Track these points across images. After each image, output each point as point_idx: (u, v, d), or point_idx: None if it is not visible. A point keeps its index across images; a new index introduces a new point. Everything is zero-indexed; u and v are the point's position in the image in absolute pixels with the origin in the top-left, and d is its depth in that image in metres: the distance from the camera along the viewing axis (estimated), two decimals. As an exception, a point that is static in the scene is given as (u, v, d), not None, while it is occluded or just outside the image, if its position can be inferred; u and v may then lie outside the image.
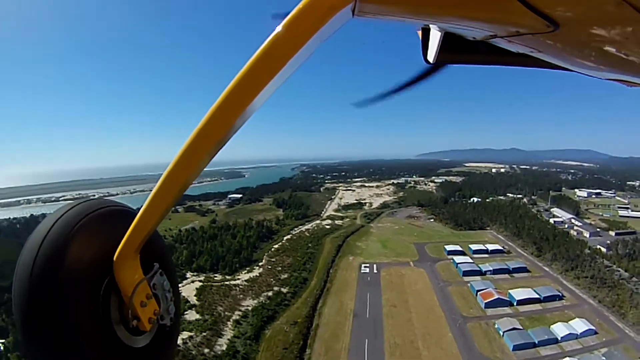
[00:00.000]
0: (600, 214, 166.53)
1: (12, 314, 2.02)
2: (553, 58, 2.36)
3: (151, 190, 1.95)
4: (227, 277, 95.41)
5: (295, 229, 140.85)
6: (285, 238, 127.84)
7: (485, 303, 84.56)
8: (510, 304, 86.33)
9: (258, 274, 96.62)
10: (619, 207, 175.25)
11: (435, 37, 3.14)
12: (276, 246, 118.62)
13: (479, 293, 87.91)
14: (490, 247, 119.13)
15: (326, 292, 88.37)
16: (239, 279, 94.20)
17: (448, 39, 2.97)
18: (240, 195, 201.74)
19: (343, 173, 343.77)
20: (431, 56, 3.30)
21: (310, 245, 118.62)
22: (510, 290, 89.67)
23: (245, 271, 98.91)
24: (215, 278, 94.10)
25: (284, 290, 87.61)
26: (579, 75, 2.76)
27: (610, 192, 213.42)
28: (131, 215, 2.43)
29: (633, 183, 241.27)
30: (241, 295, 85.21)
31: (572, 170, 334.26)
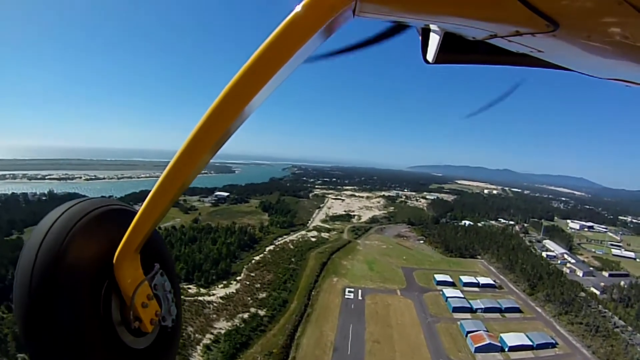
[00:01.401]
0: (593, 250, 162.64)
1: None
2: (553, 58, 2.39)
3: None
4: (202, 289, 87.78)
5: (280, 238, 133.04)
6: (267, 249, 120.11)
7: (476, 347, 78.42)
8: (501, 349, 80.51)
9: (235, 291, 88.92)
10: (611, 245, 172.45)
11: (435, 37, 3.09)
12: (257, 258, 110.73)
13: (469, 335, 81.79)
14: (482, 280, 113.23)
15: (306, 318, 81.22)
16: (214, 294, 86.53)
17: (448, 39, 2.91)
18: (227, 194, 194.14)
19: (334, 179, 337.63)
20: (431, 56, 3.22)
21: (293, 260, 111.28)
22: (502, 334, 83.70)
23: (222, 285, 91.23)
24: (190, 291, 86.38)
25: (261, 312, 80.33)
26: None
27: (602, 226, 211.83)
28: (131, 215, 2.46)
29: (625, 218, 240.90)
30: (215, 315, 77.56)
31: (564, 198, 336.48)
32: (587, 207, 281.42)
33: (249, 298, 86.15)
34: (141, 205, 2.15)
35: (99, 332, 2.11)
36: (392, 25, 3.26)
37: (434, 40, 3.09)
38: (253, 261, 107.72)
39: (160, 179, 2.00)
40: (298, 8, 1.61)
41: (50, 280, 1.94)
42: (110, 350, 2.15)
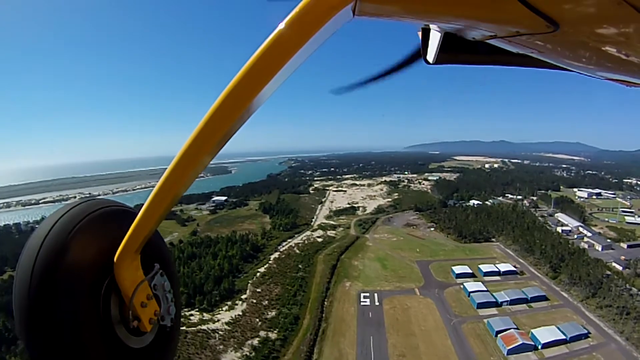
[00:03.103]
0: (606, 219, 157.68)
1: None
2: (553, 58, 2.39)
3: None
4: (206, 315, 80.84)
5: (284, 243, 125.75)
6: (272, 257, 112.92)
7: (508, 350, 72.54)
8: (534, 347, 74.74)
9: (241, 313, 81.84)
10: (623, 211, 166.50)
11: (435, 37, 3.14)
12: (262, 269, 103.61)
13: (499, 336, 75.86)
14: (502, 267, 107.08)
15: (321, 335, 74.59)
16: (218, 319, 79.58)
17: (448, 39, 2.98)
18: (224, 198, 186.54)
19: (332, 169, 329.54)
20: (431, 56, 3.28)
21: (300, 266, 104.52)
22: (533, 331, 77.91)
23: (227, 307, 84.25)
24: (192, 319, 79.37)
25: (273, 335, 73.60)
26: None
27: (610, 192, 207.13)
28: (132, 215, 2.49)
29: (630, 181, 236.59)
30: (221, 346, 70.65)
31: (565, 165, 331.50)
32: (590, 172, 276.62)
33: (257, 319, 79.31)
34: (142, 206, 2.16)
35: (97, 331, 2.14)
36: (414, 52, 3.58)
37: (434, 41, 3.12)
38: (258, 274, 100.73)
39: (161, 180, 2.00)
40: (298, 8, 1.61)
41: (50, 279, 1.97)
42: (108, 348, 2.18)
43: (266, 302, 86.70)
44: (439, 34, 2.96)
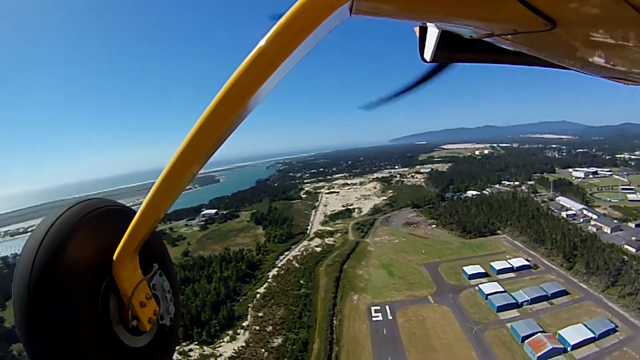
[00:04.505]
0: (608, 199, 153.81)
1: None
2: (551, 56, 2.39)
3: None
4: (206, 348, 73.49)
5: (281, 257, 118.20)
6: (271, 274, 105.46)
7: (539, 357, 66.93)
8: (564, 350, 69.55)
9: (244, 343, 74.46)
10: (623, 189, 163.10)
11: (432, 35, 3.15)
12: (261, 290, 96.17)
13: (526, 342, 70.23)
14: (515, 263, 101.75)
15: (335, 361, 68.04)
16: (220, 353, 72.15)
17: (445, 37, 3.00)
18: (214, 211, 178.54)
19: (321, 169, 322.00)
20: (428, 54, 3.29)
21: (302, 282, 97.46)
22: (560, 332, 72.76)
23: (228, 338, 76.82)
24: (192, 354, 71.75)
25: (282, 367, 66.59)
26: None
27: (605, 169, 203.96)
28: (130, 215, 2.47)
29: (622, 156, 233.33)
30: (227, 387, 63.42)
31: (554, 145, 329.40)
32: (581, 150, 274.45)
33: (263, 349, 72.08)
34: (141, 206, 2.15)
35: (96, 331, 2.14)
36: (437, 65, 3.53)
37: (432, 39, 3.12)
38: (258, 295, 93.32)
39: (159, 179, 2.00)
40: (295, 6, 1.60)
41: (49, 279, 1.97)
42: (107, 348, 2.17)
43: (270, 327, 79.41)
44: (436, 32, 2.94)
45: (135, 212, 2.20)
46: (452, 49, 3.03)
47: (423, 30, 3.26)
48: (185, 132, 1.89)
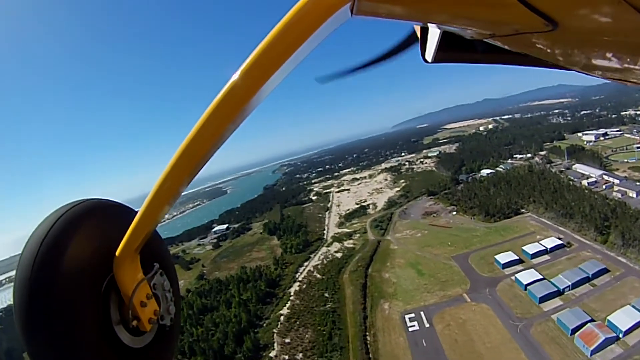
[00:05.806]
0: (625, 160, 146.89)
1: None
2: (552, 57, 2.37)
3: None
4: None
5: (300, 268, 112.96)
6: (292, 290, 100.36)
7: (592, 350, 61.61)
8: (617, 338, 64.11)
9: (276, 378, 69.69)
10: (638, 147, 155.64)
11: (433, 36, 3.16)
12: (285, 311, 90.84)
13: (576, 335, 64.88)
14: (548, 244, 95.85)
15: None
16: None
17: (446, 38, 2.99)
18: (226, 226, 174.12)
19: (327, 166, 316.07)
20: (429, 55, 3.29)
21: (327, 295, 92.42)
22: (609, 318, 67.07)
23: (256, 373, 72.12)
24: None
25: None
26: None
27: (614, 129, 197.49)
28: (131, 215, 2.49)
29: (627, 112, 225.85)
30: None
31: (557, 110, 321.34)
32: (584, 112, 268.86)
33: (297, 382, 67.20)
34: (142, 205, 2.14)
35: (97, 331, 2.13)
36: (407, 36, 3.60)
37: (433, 39, 3.13)
38: (282, 318, 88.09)
39: (160, 179, 1.99)
40: (296, 7, 1.59)
41: (49, 279, 1.97)
42: (108, 348, 2.17)
43: (300, 355, 74.30)
44: (438, 33, 2.95)
45: (136, 212, 2.19)
46: (454, 50, 3.00)
47: (424, 31, 3.24)
48: (186, 132, 1.86)
